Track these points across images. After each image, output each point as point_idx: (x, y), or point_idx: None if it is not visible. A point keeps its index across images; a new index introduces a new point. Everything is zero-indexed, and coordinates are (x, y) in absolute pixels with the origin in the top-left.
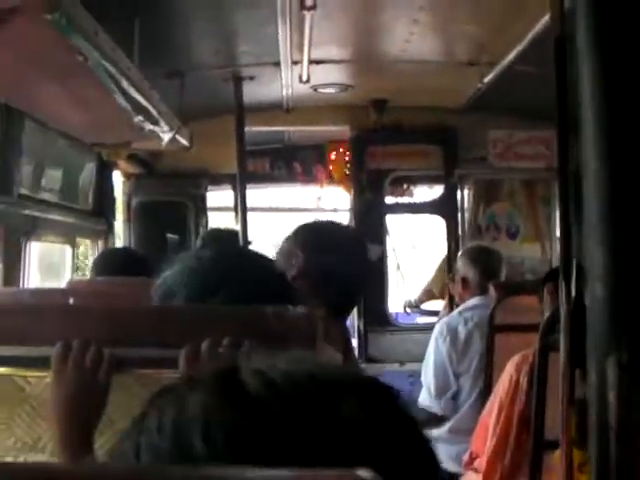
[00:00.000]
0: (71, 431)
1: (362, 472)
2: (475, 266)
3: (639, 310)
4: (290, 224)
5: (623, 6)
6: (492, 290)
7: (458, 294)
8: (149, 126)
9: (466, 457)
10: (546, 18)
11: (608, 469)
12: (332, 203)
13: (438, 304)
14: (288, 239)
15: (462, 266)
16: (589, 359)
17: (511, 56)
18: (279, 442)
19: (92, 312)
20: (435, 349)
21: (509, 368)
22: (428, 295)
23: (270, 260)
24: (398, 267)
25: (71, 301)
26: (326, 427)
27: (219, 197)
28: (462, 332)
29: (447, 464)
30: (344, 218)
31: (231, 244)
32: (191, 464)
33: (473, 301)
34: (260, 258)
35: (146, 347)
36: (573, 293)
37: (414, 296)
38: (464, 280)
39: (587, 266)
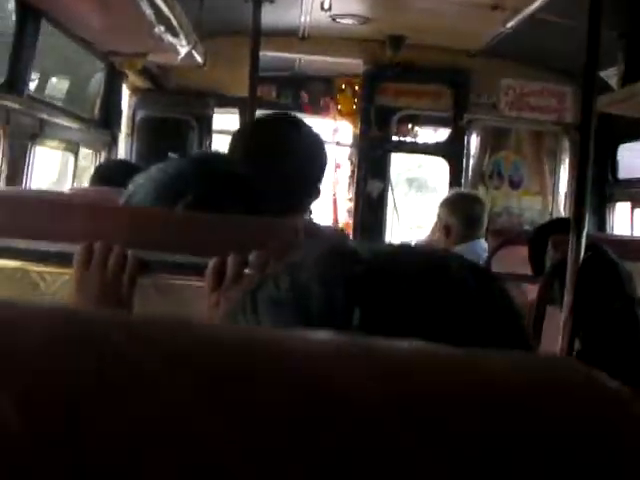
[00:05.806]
0: None
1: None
2: (457, 214)
3: None
4: None
5: None
6: (490, 237)
7: (441, 243)
8: (169, 38)
9: None
10: None
11: None
12: (337, 136)
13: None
14: None
15: (444, 214)
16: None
17: (537, 3)
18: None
19: (117, 212)
20: None
21: None
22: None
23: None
24: (395, 206)
25: None
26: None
27: (225, 120)
28: None
29: None
30: (347, 152)
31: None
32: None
33: (456, 250)
34: (224, 163)
35: (171, 252)
36: (583, 246)
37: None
38: (446, 228)
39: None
